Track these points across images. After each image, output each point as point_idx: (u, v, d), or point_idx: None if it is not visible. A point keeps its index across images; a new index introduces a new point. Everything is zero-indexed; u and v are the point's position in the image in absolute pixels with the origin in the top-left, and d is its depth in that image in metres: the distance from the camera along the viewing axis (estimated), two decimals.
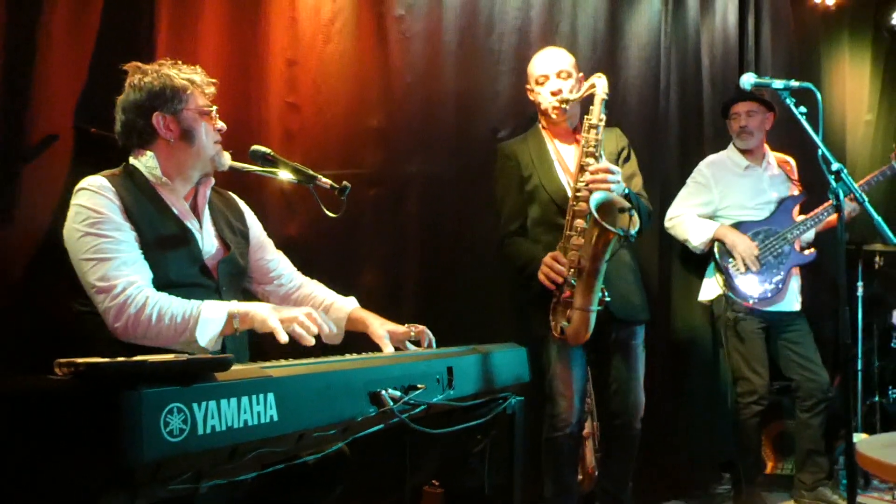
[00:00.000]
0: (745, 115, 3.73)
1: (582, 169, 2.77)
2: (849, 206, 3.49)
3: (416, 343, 2.38)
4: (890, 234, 2.33)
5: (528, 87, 3.13)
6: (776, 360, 3.68)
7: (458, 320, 3.38)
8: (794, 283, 3.68)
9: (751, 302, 3.56)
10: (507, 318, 3.53)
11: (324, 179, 2.36)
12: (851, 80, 5.11)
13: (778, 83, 2.52)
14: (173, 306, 1.90)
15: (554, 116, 2.98)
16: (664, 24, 4.12)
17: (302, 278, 2.53)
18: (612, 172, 2.71)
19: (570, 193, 2.88)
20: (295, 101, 3.19)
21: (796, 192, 3.75)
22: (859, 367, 4.14)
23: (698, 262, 3.86)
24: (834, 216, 3.57)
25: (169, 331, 1.88)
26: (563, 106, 2.91)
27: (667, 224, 3.82)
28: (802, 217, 3.65)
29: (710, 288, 3.74)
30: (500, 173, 3.13)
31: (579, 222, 2.75)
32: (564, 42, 3.81)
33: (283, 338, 1.85)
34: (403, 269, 3.43)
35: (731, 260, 3.58)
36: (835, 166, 2.37)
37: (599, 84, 2.79)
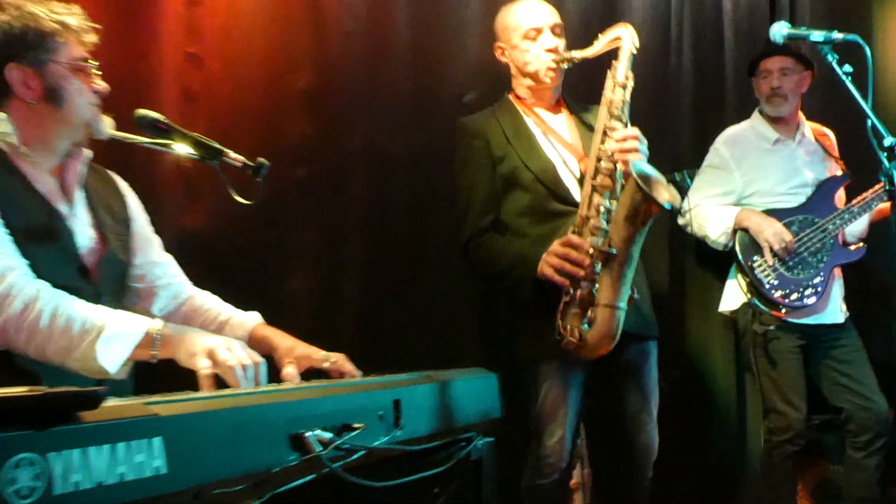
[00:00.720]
0: (779, 73, 3.74)
1: (605, 134, 2.83)
2: None
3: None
4: None
5: (499, 44, 3.13)
6: (818, 385, 3.70)
7: (411, 339, 3.38)
8: (837, 288, 3.73)
9: (783, 311, 3.59)
10: (473, 336, 3.54)
11: (233, 155, 2.33)
12: None
13: (817, 35, 2.53)
14: (75, 308, 1.87)
15: (548, 80, 3.03)
16: None
17: (192, 288, 2.50)
18: (641, 140, 2.79)
19: (562, 170, 2.96)
20: (197, 53, 3.16)
21: (839, 173, 3.79)
22: None
23: (719, 263, 3.90)
24: (887, 204, 3.66)
25: (62, 340, 1.85)
26: (563, 65, 2.99)
27: (680, 220, 3.82)
28: (848, 204, 3.70)
29: (733, 295, 3.76)
30: (464, 156, 3.12)
31: (599, 201, 2.78)
32: None
33: (211, 381, 1.84)
34: (341, 272, 3.42)
35: (756, 258, 3.61)
36: (888, 141, 2.38)
37: (626, 36, 2.88)
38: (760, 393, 3.70)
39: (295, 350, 2.30)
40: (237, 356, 1.90)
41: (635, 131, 2.79)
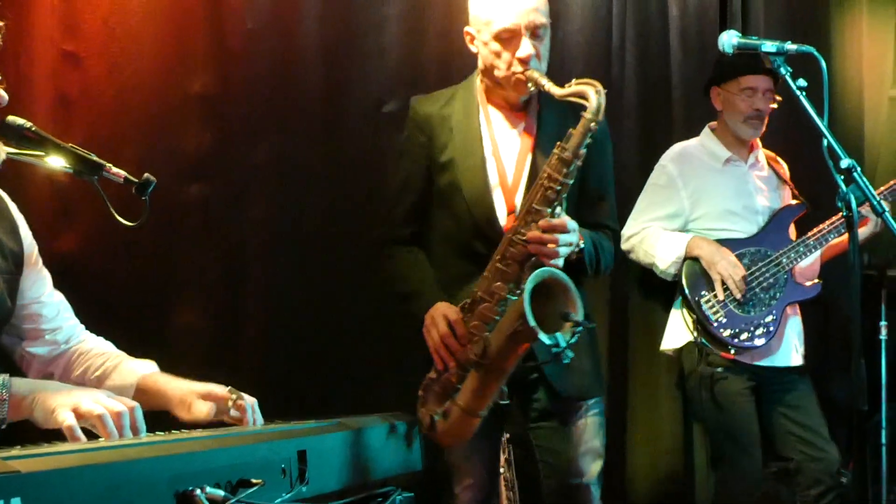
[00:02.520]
0: (763, 94, 3.77)
1: (529, 214, 2.63)
2: (868, 225, 3.64)
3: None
4: None
5: (468, 30, 2.90)
6: (768, 432, 3.79)
7: (320, 381, 3.37)
8: (793, 328, 3.80)
9: (732, 352, 3.64)
10: (392, 377, 3.53)
11: (115, 170, 2.28)
12: (871, 43, 5.35)
13: (769, 45, 2.58)
14: None
15: (514, 94, 2.84)
16: None
17: (84, 333, 2.44)
18: (568, 232, 2.62)
19: (499, 207, 2.83)
20: (75, 51, 3.13)
21: (793, 202, 3.88)
22: (883, 441, 4.30)
23: (668, 296, 3.96)
24: (843, 237, 3.77)
25: None
26: (530, 87, 2.75)
27: (624, 246, 3.84)
28: (803, 237, 3.77)
29: (677, 332, 3.81)
30: (404, 146, 3.02)
31: (499, 286, 2.64)
32: None
33: (78, 435, 1.80)
34: (240, 305, 3.41)
35: (704, 292, 3.67)
36: (845, 163, 2.42)
37: (593, 99, 2.60)
38: (708, 440, 3.75)
39: (197, 389, 2.25)
40: (105, 404, 1.86)
41: (563, 220, 2.62)
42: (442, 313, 2.69)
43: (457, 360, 2.66)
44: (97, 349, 2.40)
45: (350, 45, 3.64)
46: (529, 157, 2.87)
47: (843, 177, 2.43)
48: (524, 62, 2.73)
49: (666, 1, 4.42)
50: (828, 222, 3.69)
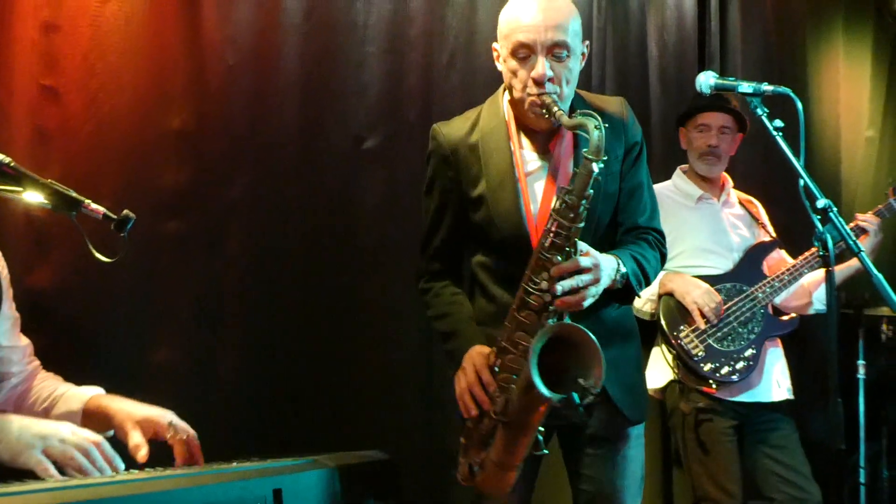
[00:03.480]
0: (718, 130, 3.86)
1: (539, 262, 2.47)
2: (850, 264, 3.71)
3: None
4: (894, 296, 2.44)
5: (495, 47, 2.73)
6: (752, 472, 3.79)
7: (296, 417, 3.34)
8: (774, 362, 3.83)
9: (714, 387, 3.64)
10: (370, 413, 3.52)
11: (93, 206, 2.28)
12: (847, 84, 5.46)
13: (746, 86, 2.62)
14: None
15: (531, 115, 2.64)
16: None
17: (39, 371, 2.43)
18: (584, 271, 2.42)
19: (531, 239, 2.63)
20: (54, 86, 3.12)
21: (766, 239, 3.93)
22: (862, 480, 4.31)
23: (646, 335, 3.96)
24: (820, 272, 3.81)
25: None
26: (544, 112, 2.54)
27: None
28: (778, 273, 3.81)
29: (658, 372, 3.83)
30: (432, 175, 2.83)
31: (521, 335, 2.50)
32: (459, 16, 3.92)
33: (52, 473, 1.78)
34: (215, 343, 3.39)
35: (682, 327, 3.69)
36: (821, 202, 2.46)
37: (593, 135, 2.39)
38: (690, 480, 3.75)
39: (135, 414, 2.25)
40: (73, 441, 1.85)
41: (575, 265, 2.41)
42: (471, 361, 2.57)
43: (482, 411, 2.54)
44: (45, 383, 2.40)
45: (330, 82, 3.65)
46: (570, 161, 2.68)
47: (819, 217, 2.46)
48: (537, 83, 2.55)
49: (645, 40, 4.47)
50: (801, 257, 3.76)
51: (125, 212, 2.27)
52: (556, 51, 2.54)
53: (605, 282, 2.48)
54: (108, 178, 3.17)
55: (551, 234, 2.44)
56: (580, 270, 2.41)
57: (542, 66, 2.53)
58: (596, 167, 2.37)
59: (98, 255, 2.26)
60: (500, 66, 2.70)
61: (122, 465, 2.03)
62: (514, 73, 2.60)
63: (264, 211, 3.49)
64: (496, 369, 2.53)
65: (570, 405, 2.25)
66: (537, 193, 2.70)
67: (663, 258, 2.85)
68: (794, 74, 5.00)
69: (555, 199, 2.48)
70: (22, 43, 3.06)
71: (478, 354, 2.58)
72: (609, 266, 2.50)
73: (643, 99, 4.46)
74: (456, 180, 2.75)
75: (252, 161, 3.47)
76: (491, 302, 2.75)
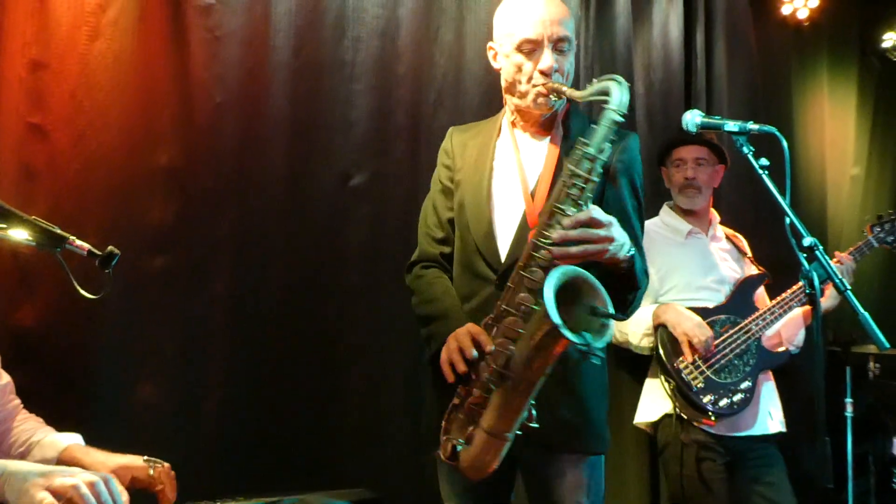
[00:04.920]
0: (693, 163, 3.92)
1: (552, 214, 2.46)
2: (828, 298, 3.73)
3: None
4: (879, 334, 2.45)
5: (491, 46, 2.83)
6: None
7: (281, 455, 3.32)
8: (767, 394, 3.84)
9: (713, 419, 3.62)
10: (356, 452, 3.50)
11: (78, 242, 2.28)
12: (832, 122, 5.51)
13: (732, 125, 2.65)
14: None
15: (535, 109, 2.74)
16: (584, 35, 4.37)
17: (19, 409, 2.42)
18: (600, 225, 2.39)
19: (501, 226, 2.72)
20: (41, 124, 3.12)
21: (755, 273, 3.96)
22: None
23: (633, 369, 3.96)
24: (806, 308, 3.83)
25: None
26: (552, 97, 2.66)
27: None
28: (769, 306, 3.82)
29: (652, 405, 3.83)
30: (435, 172, 2.98)
31: (524, 297, 2.47)
32: (447, 55, 3.95)
33: None
34: (200, 381, 3.37)
35: (681, 358, 3.68)
36: (807, 240, 2.48)
37: (615, 93, 2.49)
38: None
39: (108, 463, 2.23)
40: (79, 475, 1.83)
41: (588, 217, 2.39)
42: (466, 329, 2.51)
43: (472, 380, 2.48)
44: (25, 425, 2.38)
45: (317, 119, 3.66)
46: (556, 157, 2.73)
47: (805, 255, 2.47)
48: (545, 74, 2.65)
49: (632, 79, 4.50)
50: (789, 291, 3.78)
51: (110, 248, 2.27)
52: (560, 45, 2.67)
53: (616, 246, 2.41)
54: (95, 214, 3.16)
55: (566, 185, 2.45)
56: (595, 222, 2.38)
57: (550, 58, 2.64)
58: (617, 117, 2.46)
59: (82, 292, 2.25)
60: (497, 63, 2.81)
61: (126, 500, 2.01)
62: (519, 68, 2.70)
63: (250, 248, 3.48)
64: (492, 324, 2.50)
65: (587, 345, 2.21)
66: (530, 179, 2.74)
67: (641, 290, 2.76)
68: (779, 113, 5.04)
69: (570, 153, 2.52)
70: (9, 80, 3.07)
71: (472, 325, 2.52)
72: (622, 235, 2.45)
73: None
74: (449, 168, 2.88)
75: (239, 198, 3.47)
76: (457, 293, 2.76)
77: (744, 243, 4.07)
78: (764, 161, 2.58)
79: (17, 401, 2.42)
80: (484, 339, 2.46)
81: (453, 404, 2.55)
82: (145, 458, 2.27)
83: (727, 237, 4.04)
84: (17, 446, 2.33)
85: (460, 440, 2.48)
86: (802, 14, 5.25)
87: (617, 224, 2.43)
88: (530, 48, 2.67)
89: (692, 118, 2.73)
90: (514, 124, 2.85)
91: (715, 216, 4.03)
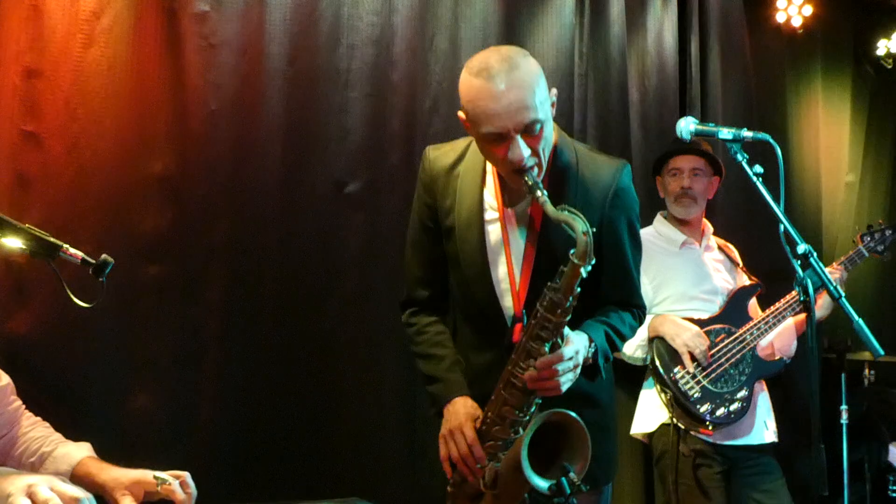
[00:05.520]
0: (690, 172, 3.91)
1: (524, 351, 2.45)
2: (825, 306, 3.74)
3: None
4: (874, 340, 2.45)
5: (461, 115, 2.57)
6: None
7: (276, 464, 3.31)
8: (762, 404, 3.84)
9: (710, 428, 3.63)
10: (351, 461, 3.49)
11: (72, 251, 2.27)
12: (827, 130, 5.52)
13: (726, 132, 2.64)
14: None
15: (515, 186, 2.59)
16: (579, 44, 4.37)
17: (24, 413, 2.40)
18: (564, 360, 2.40)
19: (503, 294, 2.66)
20: (35, 131, 3.11)
21: (748, 283, 3.96)
22: None
23: (627, 380, 3.96)
24: (801, 316, 3.83)
25: None
26: (528, 181, 2.44)
27: None
28: (762, 315, 3.83)
29: (649, 415, 3.83)
30: (415, 201, 2.83)
31: (508, 411, 2.48)
32: (442, 63, 3.94)
33: None
34: (195, 389, 3.36)
35: (677, 369, 3.68)
36: (801, 248, 2.47)
37: (580, 240, 2.30)
38: None
39: (122, 480, 2.22)
40: (62, 490, 1.83)
41: (559, 357, 2.39)
42: (459, 427, 2.53)
43: (473, 473, 2.51)
44: (34, 432, 2.37)
45: (312, 126, 3.66)
46: (538, 217, 2.62)
47: (799, 262, 2.47)
48: (519, 165, 2.43)
49: (626, 86, 4.51)
50: (783, 300, 3.79)
51: (104, 256, 2.26)
52: (529, 129, 2.42)
53: (580, 365, 2.47)
54: (89, 222, 3.15)
55: (538, 328, 2.41)
56: (562, 360, 2.39)
57: (519, 149, 2.41)
58: (583, 271, 2.32)
59: (76, 301, 2.25)
60: (469, 132, 2.58)
61: None
62: (489, 153, 2.52)
63: (245, 256, 3.47)
64: (482, 428, 2.51)
65: (561, 492, 2.18)
66: (518, 239, 2.67)
67: (634, 329, 2.82)
68: (773, 121, 5.05)
69: (542, 296, 2.41)
70: (3, 88, 3.07)
71: (466, 419, 2.54)
72: (583, 346, 2.48)
73: (624, 144, 4.49)
74: (433, 207, 2.74)
75: (233, 206, 3.46)
76: (459, 338, 2.77)
77: (736, 254, 4.08)
78: (758, 168, 2.57)
79: (19, 402, 2.41)
80: (477, 452, 2.49)
81: (455, 479, 2.59)
82: (154, 474, 2.26)
83: (720, 248, 4.05)
84: (28, 456, 2.32)
85: None
86: (797, 22, 5.26)
87: (581, 346, 2.46)
88: (500, 140, 2.42)
89: (686, 125, 2.72)
90: (496, 171, 2.67)
91: (708, 227, 4.04)
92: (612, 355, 2.65)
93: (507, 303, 2.66)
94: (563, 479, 2.18)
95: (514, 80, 2.39)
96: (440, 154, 2.77)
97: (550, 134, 2.53)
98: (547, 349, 2.41)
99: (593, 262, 2.33)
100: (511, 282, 2.67)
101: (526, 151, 2.41)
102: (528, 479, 2.19)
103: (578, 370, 2.46)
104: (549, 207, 2.37)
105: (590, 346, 2.52)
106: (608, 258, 2.65)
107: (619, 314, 2.70)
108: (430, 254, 2.79)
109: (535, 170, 2.46)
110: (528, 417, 2.45)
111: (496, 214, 2.67)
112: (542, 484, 2.19)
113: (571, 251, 2.33)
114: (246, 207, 3.49)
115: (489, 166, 2.69)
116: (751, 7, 5.15)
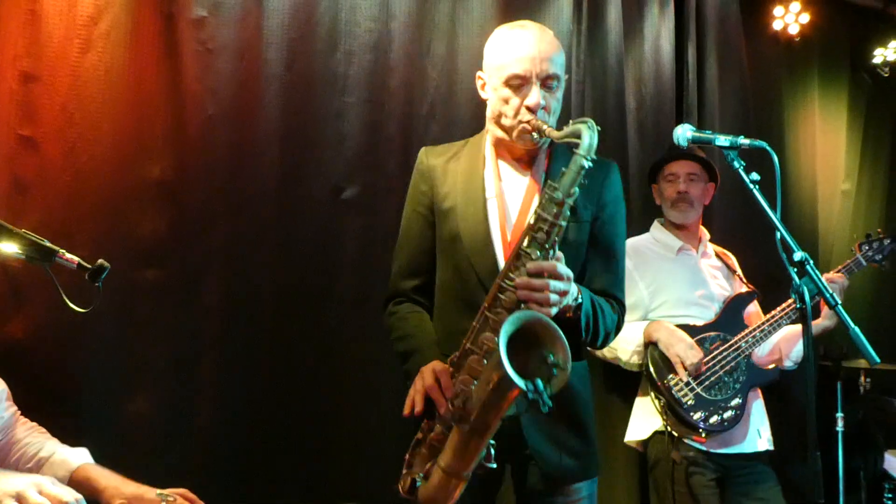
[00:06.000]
0: (686, 177, 3.94)
1: (519, 256, 2.49)
2: (831, 314, 3.74)
3: None
4: (870, 348, 2.45)
5: (480, 76, 2.84)
6: None
7: (273, 469, 3.30)
8: (756, 412, 3.84)
9: (704, 435, 3.63)
10: (348, 466, 3.48)
11: (68, 255, 2.27)
12: (823, 138, 5.52)
13: (723, 139, 2.65)
14: None
15: (520, 144, 2.75)
16: (576, 51, 4.38)
17: (19, 418, 2.40)
18: (559, 277, 2.44)
19: (501, 266, 2.65)
20: (32, 136, 3.11)
21: (744, 290, 3.97)
22: None
23: (622, 386, 3.96)
24: (790, 328, 3.84)
25: None
26: (534, 135, 2.66)
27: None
28: (758, 323, 3.83)
29: (644, 422, 3.83)
30: (410, 193, 2.91)
31: (487, 336, 2.48)
32: (439, 69, 3.95)
33: None
34: (193, 393, 3.35)
35: (671, 376, 3.69)
36: (798, 255, 2.47)
37: (585, 137, 2.49)
38: None
39: (123, 490, 2.22)
40: (51, 492, 1.83)
41: (553, 265, 2.43)
42: (431, 367, 2.52)
43: (435, 416, 2.49)
44: (30, 438, 2.37)
45: (309, 131, 3.66)
46: (533, 206, 2.63)
47: (796, 269, 2.48)
48: (531, 110, 2.65)
49: (623, 93, 4.51)
50: (779, 308, 3.79)
51: (100, 261, 2.27)
52: (548, 82, 2.68)
53: (570, 299, 2.49)
54: (86, 227, 3.15)
55: (532, 229, 2.47)
56: (556, 274, 2.42)
57: (538, 95, 2.64)
58: (586, 162, 2.46)
59: (72, 306, 2.25)
60: (484, 93, 2.81)
61: None
62: (506, 101, 2.70)
63: (242, 261, 3.47)
64: (457, 362, 2.51)
65: (536, 393, 2.19)
66: (509, 213, 2.75)
67: (618, 329, 2.81)
68: (770, 128, 5.06)
69: (540, 195, 2.54)
70: (0, 93, 3.07)
71: (437, 363, 2.54)
72: (574, 289, 2.52)
73: (621, 151, 4.48)
74: (429, 195, 2.82)
75: (231, 211, 3.46)
76: (446, 328, 2.74)
77: (733, 261, 4.09)
78: (755, 176, 2.58)
79: (15, 408, 2.41)
80: (444, 380, 2.47)
81: (417, 439, 2.58)
82: (158, 492, 2.26)
83: (717, 255, 4.06)
84: (25, 461, 2.31)
85: (420, 474, 2.48)
86: (793, 30, 5.26)
87: (572, 276, 2.48)
88: (519, 83, 2.67)
89: (683, 132, 2.73)
90: (497, 154, 2.84)
91: (705, 233, 4.05)
92: (591, 327, 2.63)
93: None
94: (541, 374, 2.21)
95: (546, 37, 2.72)
96: (435, 151, 2.92)
97: (559, 106, 2.76)
98: (539, 256, 2.46)
99: (594, 158, 2.49)
100: (509, 242, 2.69)
101: (542, 100, 2.65)
102: (506, 377, 2.17)
103: (568, 298, 2.48)
104: (554, 133, 2.59)
105: (577, 296, 2.54)
106: (600, 241, 2.75)
107: (601, 300, 2.71)
108: (420, 242, 2.84)
109: (545, 119, 2.66)
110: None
111: (496, 191, 2.76)
112: (521, 381, 2.17)
113: (575, 149, 2.48)
114: (243, 212, 3.49)
115: (489, 151, 2.83)
116: (748, 15, 5.16)
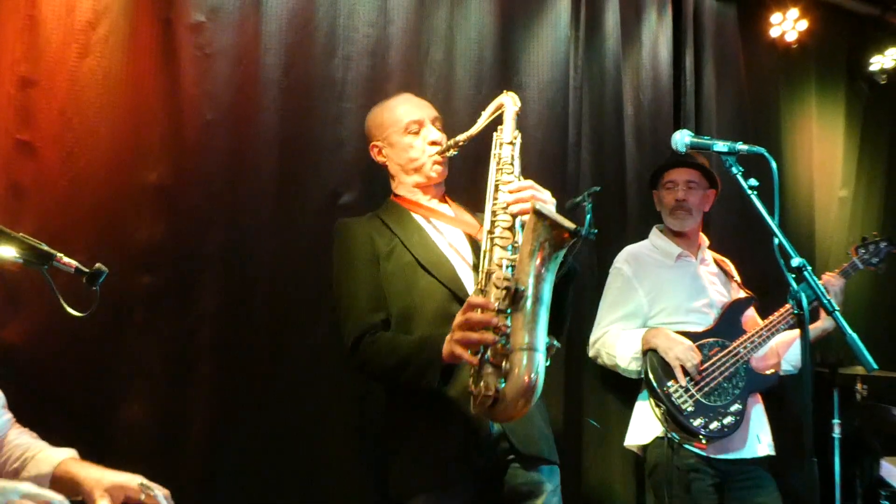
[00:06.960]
0: (685, 185, 3.95)
1: (497, 189, 2.84)
2: (825, 322, 3.75)
3: None
4: (867, 355, 2.46)
5: (375, 143, 3.29)
6: None
7: (269, 477, 3.30)
8: (756, 417, 3.84)
9: (704, 442, 3.63)
10: (344, 475, 3.48)
11: (66, 259, 2.27)
12: (820, 145, 5.54)
13: (721, 145, 2.67)
14: None
15: (434, 175, 3.15)
16: (574, 57, 4.37)
17: (12, 426, 2.40)
18: (540, 189, 2.78)
19: (459, 265, 2.97)
20: (30, 140, 3.10)
21: (742, 296, 3.98)
22: None
23: (620, 392, 3.95)
24: (788, 333, 3.84)
25: None
26: (449, 153, 3.14)
27: (590, 353, 3.94)
28: (756, 329, 3.83)
29: (643, 427, 3.83)
30: (346, 256, 3.03)
31: (501, 255, 2.67)
32: (437, 74, 3.95)
33: None
34: (187, 399, 3.34)
35: (670, 382, 3.69)
36: (796, 261, 2.49)
37: (508, 101, 3.01)
38: None
39: (103, 481, 2.21)
40: (33, 493, 1.82)
41: (530, 182, 2.78)
42: (454, 323, 2.55)
43: (492, 327, 2.48)
44: (19, 440, 2.37)
45: (307, 137, 3.66)
46: (463, 210, 3.23)
47: (793, 275, 2.48)
48: (436, 143, 3.14)
49: (621, 99, 4.52)
50: (777, 314, 3.79)
51: (97, 265, 2.26)
52: (436, 123, 3.22)
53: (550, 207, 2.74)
54: (83, 232, 3.14)
55: (498, 165, 2.89)
56: (532, 186, 2.78)
57: (436, 132, 3.18)
58: (514, 106, 2.99)
59: (69, 310, 2.24)
60: (382, 158, 3.27)
61: None
62: (411, 146, 3.16)
63: (239, 266, 3.46)
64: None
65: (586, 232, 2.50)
66: (443, 230, 3.10)
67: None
68: (767, 135, 5.07)
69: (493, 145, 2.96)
70: None
71: (468, 299, 2.58)
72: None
73: (619, 157, 4.50)
74: (369, 244, 3.03)
75: (228, 216, 3.46)
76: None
77: (732, 268, 4.10)
78: (753, 181, 2.60)
79: (10, 416, 2.41)
80: (477, 301, 2.52)
81: (475, 371, 2.55)
82: (141, 482, 2.25)
83: (715, 261, 4.07)
84: (12, 462, 2.31)
85: (500, 381, 2.45)
86: (791, 37, 5.28)
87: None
88: (417, 128, 3.17)
89: (681, 138, 2.75)
90: (415, 204, 3.18)
91: (704, 240, 4.06)
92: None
93: (469, 278, 2.95)
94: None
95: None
96: (355, 218, 3.20)
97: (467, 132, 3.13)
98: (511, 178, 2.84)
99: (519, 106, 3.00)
100: (463, 262, 3.00)
101: (439, 136, 3.17)
102: (556, 221, 2.43)
103: (549, 198, 2.79)
104: (471, 130, 3.05)
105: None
106: None
107: None
108: (373, 279, 2.98)
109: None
110: (515, 253, 2.64)
111: (428, 224, 3.11)
112: (567, 224, 2.44)
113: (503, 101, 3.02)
114: (240, 217, 3.48)
115: (405, 205, 3.17)
116: (745, 22, 5.18)
